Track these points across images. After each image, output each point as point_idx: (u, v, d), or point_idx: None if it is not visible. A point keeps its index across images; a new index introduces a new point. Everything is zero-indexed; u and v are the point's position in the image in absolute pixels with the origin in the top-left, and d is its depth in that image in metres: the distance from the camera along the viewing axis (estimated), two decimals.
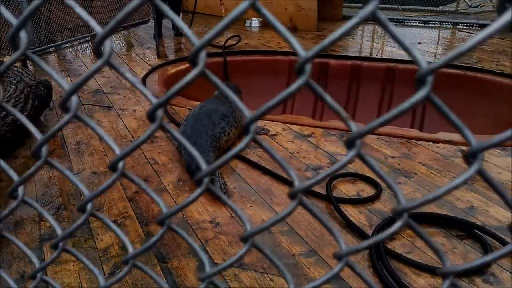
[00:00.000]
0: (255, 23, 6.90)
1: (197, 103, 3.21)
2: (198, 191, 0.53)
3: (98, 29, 0.47)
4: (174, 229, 0.63)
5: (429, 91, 0.36)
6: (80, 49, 5.30)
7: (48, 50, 5.10)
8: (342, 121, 0.43)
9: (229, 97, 0.46)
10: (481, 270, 1.55)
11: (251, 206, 1.97)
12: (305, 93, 4.90)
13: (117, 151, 0.56)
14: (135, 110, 3.18)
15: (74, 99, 0.52)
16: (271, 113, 3.11)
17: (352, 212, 1.91)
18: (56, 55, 5.01)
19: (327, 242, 1.72)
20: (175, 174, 2.26)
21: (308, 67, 0.39)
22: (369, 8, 0.35)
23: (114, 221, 1.82)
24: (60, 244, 0.66)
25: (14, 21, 0.51)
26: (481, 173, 0.39)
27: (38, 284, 0.77)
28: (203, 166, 0.50)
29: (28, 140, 2.63)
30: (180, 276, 1.53)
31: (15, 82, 2.61)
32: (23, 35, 0.50)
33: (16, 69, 2.77)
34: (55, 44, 5.22)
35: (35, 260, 0.71)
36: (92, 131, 2.80)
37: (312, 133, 2.81)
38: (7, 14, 0.54)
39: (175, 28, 5.97)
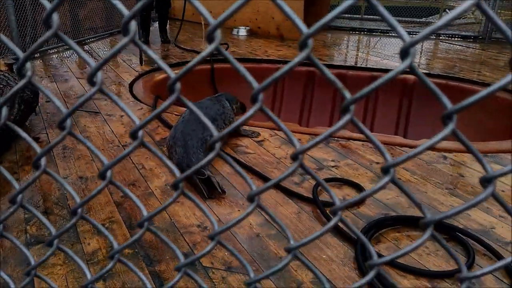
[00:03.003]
0: (242, 31, 6.96)
1: (184, 109, 3.22)
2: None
3: (92, 63, 0.51)
4: (152, 230, 0.65)
5: (411, 62, 0.40)
6: (66, 55, 5.27)
7: (33, 56, 5.06)
8: (338, 90, 0.46)
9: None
10: (478, 277, 1.59)
11: (239, 210, 1.99)
12: (292, 101, 4.95)
13: (105, 162, 0.60)
14: (122, 116, 3.17)
15: (69, 121, 0.56)
16: (259, 120, 3.14)
17: None
18: (41, 61, 4.98)
19: (314, 245, 1.74)
20: (163, 178, 2.26)
21: (310, 42, 0.42)
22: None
23: (102, 225, 1.81)
24: (55, 242, 0.68)
25: None
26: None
27: (30, 282, 0.77)
28: (214, 132, 0.52)
29: (14, 144, 2.60)
30: (168, 279, 1.54)
31: (1, 86, 2.59)
32: (55, 16, 0.52)
33: (2, 73, 2.75)
34: (40, 49, 5.18)
35: (31, 258, 0.72)
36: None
37: (299, 139, 2.84)
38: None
39: (162, 35, 5.98)
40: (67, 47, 5.58)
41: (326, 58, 5.37)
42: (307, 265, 0.57)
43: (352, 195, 2.14)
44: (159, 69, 4.66)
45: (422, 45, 6.79)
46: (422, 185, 2.26)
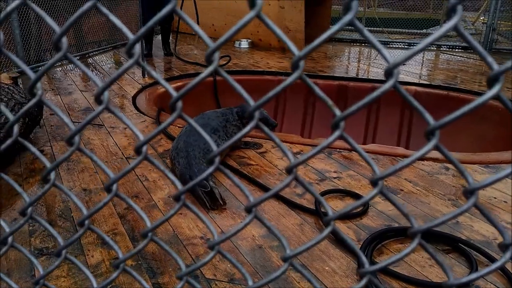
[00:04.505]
0: (244, 44, 7.03)
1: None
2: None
3: (99, 82, 0.54)
4: (155, 240, 0.67)
5: (395, 82, 0.42)
6: (70, 68, 5.33)
7: (37, 69, 5.12)
8: (328, 108, 0.47)
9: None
10: (467, 283, 1.59)
11: (241, 222, 1.99)
12: (294, 112, 4.98)
13: (111, 175, 0.62)
14: (125, 128, 3.20)
15: (77, 138, 0.60)
16: (261, 132, 3.16)
17: (340, 227, 1.95)
18: (45, 74, 5.03)
19: (317, 257, 1.74)
20: (166, 190, 2.28)
21: (302, 64, 0.44)
22: (347, 17, 0.41)
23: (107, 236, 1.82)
24: (63, 252, 0.69)
25: None
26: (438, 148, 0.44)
27: None
28: (214, 147, 0.54)
29: (18, 157, 2.63)
30: None
31: (6, 99, 2.62)
32: (64, 40, 0.55)
33: (7, 86, 2.78)
34: (44, 63, 5.24)
35: (39, 266, 0.74)
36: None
37: (301, 151, 2.86)
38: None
39: (165, 48, 6.04)
40: None
41: (328, 70, 5.41)
42: (304, 274, 0.59)
43: None
44: (167, 80, 4.70)
45: (423, 57, 6.83)
46: (424, 196, 2.27)
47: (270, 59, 6.00)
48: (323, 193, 2.24)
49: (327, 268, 1.68)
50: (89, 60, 5.82)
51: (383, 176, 0.48)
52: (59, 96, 4.05)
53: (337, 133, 0.47)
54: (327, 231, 0.54)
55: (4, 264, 1.65)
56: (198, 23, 5.78)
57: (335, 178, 2.46)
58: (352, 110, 0.46)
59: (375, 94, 0.43)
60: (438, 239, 1.86)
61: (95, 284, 0.71)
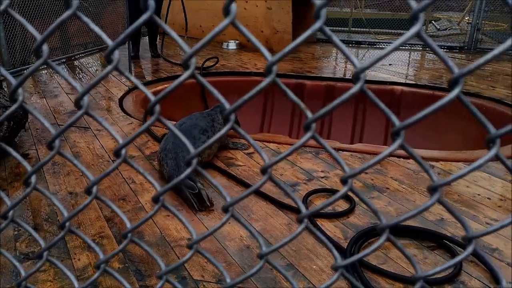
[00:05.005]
0: (232, 45, 7.03)
1: (174, 122, 3.24)
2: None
3: (79, 88, 0.56)
4: (135, 241, 0.68)
5: (363, 85, 0.43)
6: (55, 71, 5.27)
7: (23, 72, 5.06)
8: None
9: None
10: (451, 279, 1.61)
11: (229, 223, 2.00)
12: (282, 112, 4.99)
13: (92, 178, 0.63)
14: None
15: (57, 142, 0.60)
16: (249, 132, 3.17)
17: (327, 226, 1.96)
18: (31, 77, 4.97)
19: (304, 256, 1.75)
20: (153, 192, 2.27)
21: (275, 68, 0.45)
22: (317, 25, 0.42)
23: (92, 241, 1.81)
24: (45, 254, 0.69)
25: None
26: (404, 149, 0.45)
27: None
28: (191, 149, 0.55)
29: (3, 161, 2.59)
30: None
31: None
32: (45, 47, 0.56)
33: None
34: (30, 65, 5.18)
35: (21, 269, 0.74)
36: (68, 152, 2.79)
37: None
38: None
39: (153, 50, 6.02)
40: (57, 63, 5.59)
41: (315, 71, 5.43)
42: (279, 271, 0.60)
43: (341, 205, 2.16)
44: (148, 83, 4.69)
45: (409, 57, 6.90)
46: (410, 194, 2.29)
47: (258, 60, 6.01)
48: (311, 193, 2.25)
49: (314, 266, 1.69)
50: (75, 62, 5.77)
51: (353, 175, 0.49)
52: (44, 99, 4.01)
53: (309, 134, 0.49)
54: (300, 228, 0.55)
55: None
56: (186, 24, 5.77)
57: (322, 177, 2.48)
58: (323, 112, 0.47)
59: (342, 98, 0.45)
60: (423, 236, 1.88)
61: (76, 285, 0.71)
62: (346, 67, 6.04)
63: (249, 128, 3.36)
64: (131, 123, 3.39)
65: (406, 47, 7.66)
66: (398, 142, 0.46)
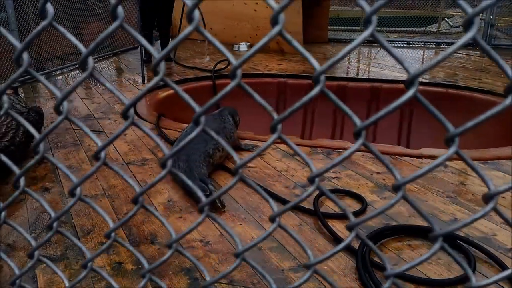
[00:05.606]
0: (243, 47, 7.05)
1: (186, 125, 3.27)
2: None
3: (58, 94, 0.60)
4: (118, 240, 0.71)
5: (416, 91, 0.44)
6: (71, 76, 5.37)
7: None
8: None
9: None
10: (463, 280, 1.59)
11: (241, 224, 2.01)
12: (295, 114, 4.98)
13: (74, 180, 0.66)
14: (125, 134, 3.22)
15: (42, 146, 0.64)
16: (261, 134, 3.18)
17: (339, 227, 1.96)
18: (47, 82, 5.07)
19: (315, 257, 1.75)
20: (166, 195, 2.30)
21: (239, 72, 0.49)
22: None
23: (104, 243, 1.84)
24: (35, 253, 0.73)
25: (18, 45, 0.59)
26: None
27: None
28: (165, 151, 0.58)
29: (20, 165, 2.65)
30: None
31: None
32: (25, 56, 0.58)
33: (7, 96, 2.81)
34: (45, 71, 5.28)
35: (16, 269, 0.77)
36: (83, 156, 2.84)
37: None
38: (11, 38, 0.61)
39: None
40: (72, 68, 5.69)
41: (327, 70, 5.41)
42: (256, 269, 0.62)
43: (353, 205, 2.16)
44: (162, 87, 4.73)
45: (423, 55, 6.84)
46: (422, 193, 2.28)
47: (269, 62, 6.02)
48: (322, 194, 2.24)
49: (325, 267, 1.69)
50: None
51: (320, 173, 0.50)
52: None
53: (275, 136, 0.51)
54: (272, 227, 0.57)
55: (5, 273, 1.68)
56: (204, 27, 5.81)
57: (333, 178, 2.48)
58: (288, 112, 0.48)
59: (396, 103, 0.45)
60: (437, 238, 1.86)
61: (67, 283, 0.76)
62: (358, 66, 6.01)
63: (261, 129, 3.37)
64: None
65: (420, 45, 7.58)
66: (359, 141, 0.48)
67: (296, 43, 0.48)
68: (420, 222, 1.96)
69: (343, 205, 0.55)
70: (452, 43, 7.45)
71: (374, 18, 0.42)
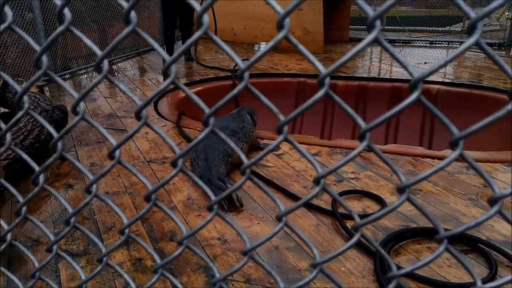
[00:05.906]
0: (264, 47, 7.06)
1: None
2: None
3: (75, 95, 0.63)
4: (132, 236, 0.72)
5: (419, 95, 0.45)
6: (95, 76, 5.48)
7: (63, 76, 5.29)
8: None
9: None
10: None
11: (258, 223, 2.02)
12: (314, 114, 4.97)
13: (91, 177, 0.69)
14: (147, 133, 3.28)
15: (59, 144, 0.68)
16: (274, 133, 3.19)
17: None
18: (71, 81, 5.20)
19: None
20: (185, 193, 2.33)
21: (246, 75, 0.50)
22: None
23: (126, 240, 1.88)
24: (54, 247, 0.75)
25: (37, 47, 0.61)
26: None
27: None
28: (177, 150, 0.60)
29: (43, 162, 2.73)
30: None
31: (32, 107, 2.73)
32: (44, 58, 0.61)
33: (33, 95, 2.90)
34: (70, 70, 5.41)
35: (35, 261, 0.79)
36: (106, 154, 2.90)
37: (319, 152, 2.86)
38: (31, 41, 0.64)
39: (186, 53, 6.14)
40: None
41: (348, 70, 5.38)
42: (264, 267, 0.63)
43: (372, 207, 2.14)
44: (187, 85, 4.79)
45: (447, 54, 6.71)
46: (444, 196, 2.24)
47: (289, 61, 6.01)
48: (341, 194, 2.24)
49: (343, 268, 1.69)
50: (114, 67, 5.97)
51: (325, 175, 0.51)
52: (84, 102, 4.16)
53: (281, 138, 0.53)
54: (278, 227, 0.59)
55: (28, 268, 1.73)
56: (216, 28, 5.86)
57: (353, 179, 2.46)
58: (293, 115, 0.50)
59: (400, 106, 0.46)
60: (458, 239, 1.84)
61: (83, 276, 0.78)
62: (380, 66, 5.94)
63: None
64: (166, 125, 3.48)
65: (443, 45, 7.44)
66: (364, 143, 0.48)
67: (301, 47, 0.49)
68: (442, 224, 1.92)
69: (349, 206, 0.56)
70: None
71: (378, 23, 0.43)
